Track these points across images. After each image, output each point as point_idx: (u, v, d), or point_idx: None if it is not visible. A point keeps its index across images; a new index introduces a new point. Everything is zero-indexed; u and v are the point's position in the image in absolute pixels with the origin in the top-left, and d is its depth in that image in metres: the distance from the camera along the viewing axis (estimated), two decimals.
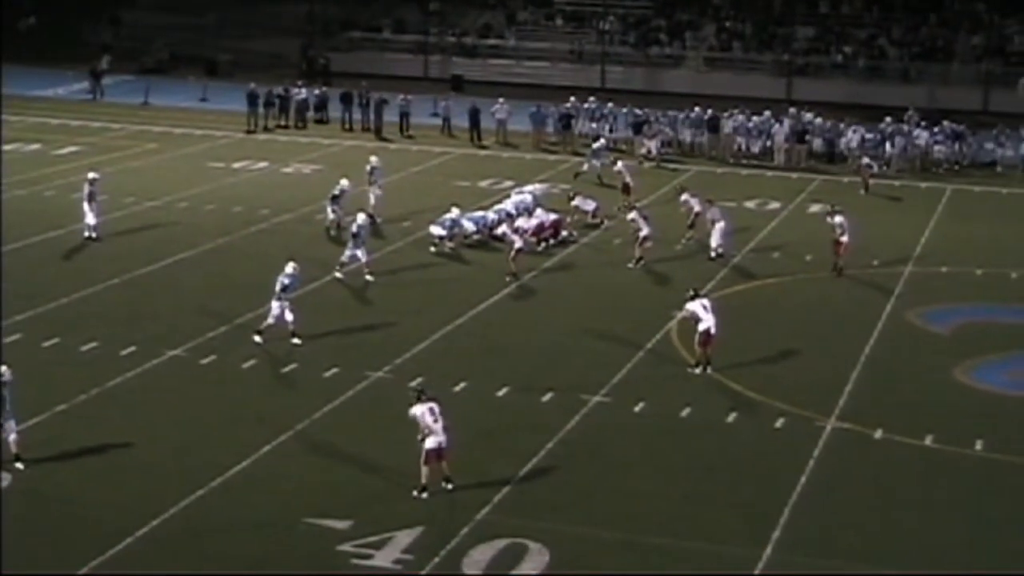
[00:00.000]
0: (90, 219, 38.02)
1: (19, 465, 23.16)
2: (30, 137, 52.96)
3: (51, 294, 32.92)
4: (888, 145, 51.16)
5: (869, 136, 51.25)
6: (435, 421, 22.66)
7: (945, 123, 52.26)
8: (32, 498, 22.35)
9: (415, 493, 22.58)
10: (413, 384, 25.71)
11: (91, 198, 38.11)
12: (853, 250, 36.59)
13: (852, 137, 51.47)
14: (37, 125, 55.61)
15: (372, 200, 40.49)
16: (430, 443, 22.58)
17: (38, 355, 28.51)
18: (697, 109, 54.02)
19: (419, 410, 22.82)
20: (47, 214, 40.39)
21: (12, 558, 20.26)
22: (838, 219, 36.37)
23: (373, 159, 42.73)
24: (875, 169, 47.88)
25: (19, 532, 21.18)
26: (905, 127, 52.37)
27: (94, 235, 37.96)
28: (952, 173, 50.51)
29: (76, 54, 70.64)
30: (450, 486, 22.71)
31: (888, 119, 52.50)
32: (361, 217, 35.66)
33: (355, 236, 34.85)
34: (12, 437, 23.24)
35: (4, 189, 42.12)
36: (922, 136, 51.63)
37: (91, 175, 39.05)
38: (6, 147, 50.71)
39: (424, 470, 22.63)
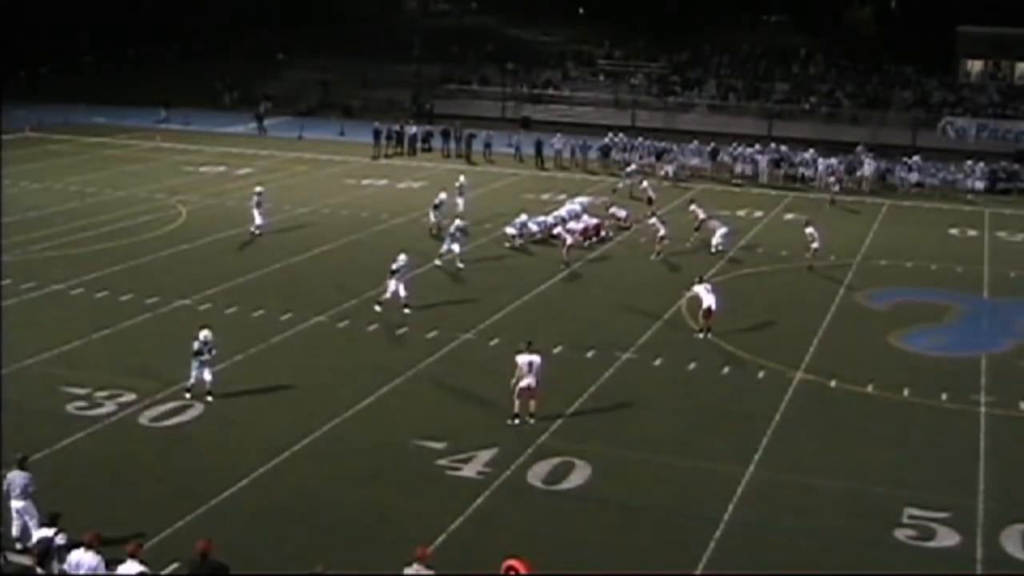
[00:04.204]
0: (258, 220, 38.19)
1: (209, 399, 23.48)
2: (217, 161, 53.45)
3: (231, 275, 33.22)
4: (846, 170, 50.81)
5: (834, 163, 50.85)
6: (530, 371, 22.57)
7: (916, 158, 51.48)
8: (219, 423, 22.64)
9: (509, 421, 22.57)
10: (492, 353, 25.53)
11: (258, 205, 38.37)
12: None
13: (821, 163, 51.05)
14: (222, 153, 56.07)
15: (460, 206, 40.51)
16: (523, 383, 22.56)
17: (222, 319, 28.73)
18: (695, 142, 53.85)
19: (523, 360, 22.69)
20: (229, 217, 40.72)
21: (203, 466, 20.58)
22: (809, 229, 35.95)
23: (462, 178, 42.85)
24: (838, 189, 47.38)
25: (208, 448, 21.48)
26: (862, 158, 51.87)
27: (258, 232, 38.16)
28: (888, 192, 49.91)
29: (238, 99, 71.69)
30: (532, 420, 22.67)
31: (859, 148, 52.54)
32: (459, 221, 35.86)
33: (452, 235, 34.91)
34: (208, 379, 23.53)
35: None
36: (870, 165, 51.10)
37: (258, 188, 39.36)
38: (202, 168, 51.30)
39: (516, 403, 22.61)
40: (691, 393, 25.16)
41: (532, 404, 22.73)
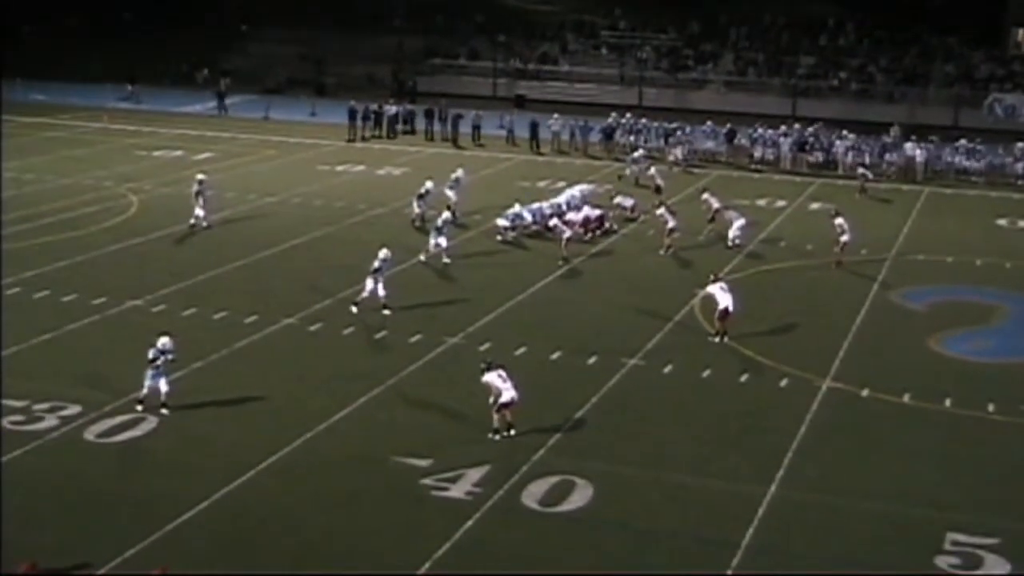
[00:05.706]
0: (198, 211, 38.10)
1: (164, 411, 23.44)
2: (174, 145, 53.45)
3: (189, 273, 33.19)
4: (886, 155, 50.82)
5: (865, 148, 50.91)
6: (504, 382, 22.72)
7: (963, 141, 51.37)
8: (176, 438, 22.60)
9: (490, 435, 22.65)
10: (483, 358, 25.53)
11: (197, 195, 38.16)
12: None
13: (841, 146, 51.06)
14: (179, 136, 56.07)
15: (452, 199, 40.39)
16: (504, 398, 22.65)
17: (179, 322, 28.71)
18: (709, 123, 53.94)
19: (490, 376, 22.88)
20: (186, 209, 40.51)
21: (158, 486, 20.53)
22: (839, 220, 35.97)
23: (460, 171, 42.52)
24: (870, 176, 47.31)
25: (164, 466, 21.45)
26: (892, 140, 51.87)
27: (198, 225, 37.96)
28: (927, 178, 49.96)
29: (209, 77, 71.59)
30: (512, 432, 22.76)
31: (893, 130, 52.45)
32: (446, 214, 35.92)
33: (438, 228, 34.91)
34: (164, 389, 23.51)
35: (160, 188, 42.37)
36: (908, 148, 51.10)
37: (199, 176, 39.30)
38: (156, 153, 51.25)
39: (496, 417, 22.70)
40: (706, 403, 25.18)
41: (507, 415, 22.78)
